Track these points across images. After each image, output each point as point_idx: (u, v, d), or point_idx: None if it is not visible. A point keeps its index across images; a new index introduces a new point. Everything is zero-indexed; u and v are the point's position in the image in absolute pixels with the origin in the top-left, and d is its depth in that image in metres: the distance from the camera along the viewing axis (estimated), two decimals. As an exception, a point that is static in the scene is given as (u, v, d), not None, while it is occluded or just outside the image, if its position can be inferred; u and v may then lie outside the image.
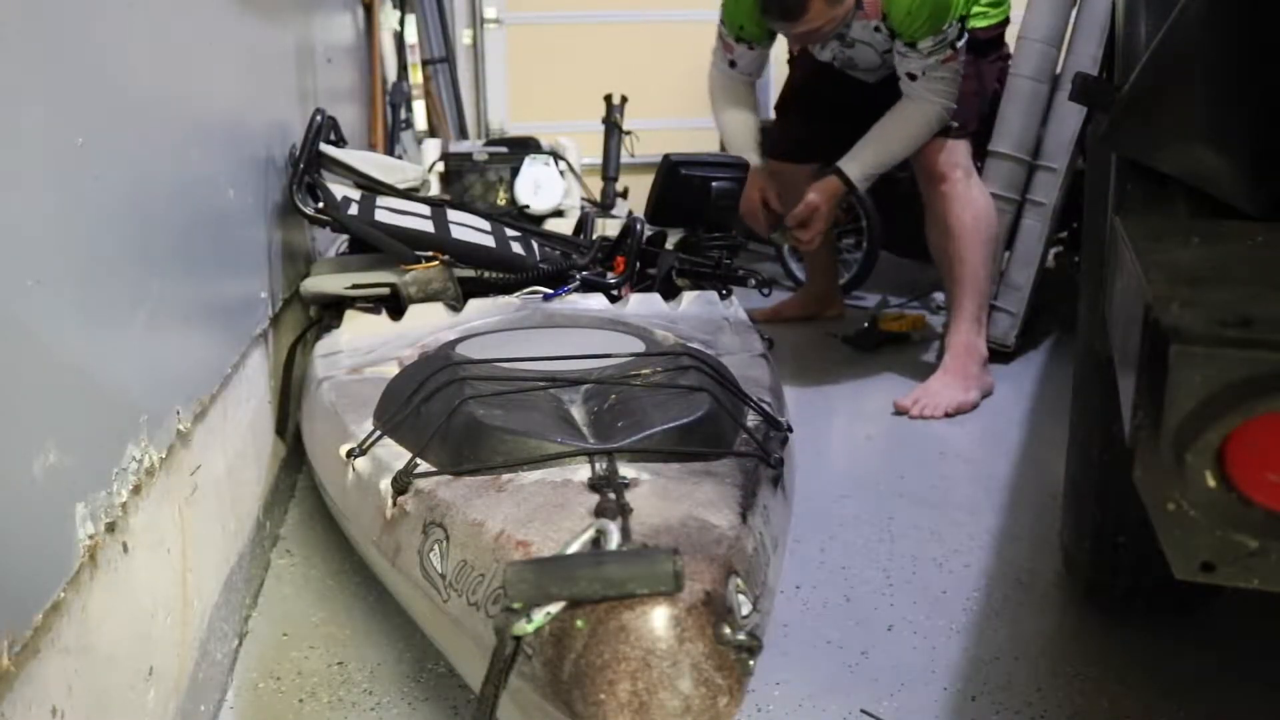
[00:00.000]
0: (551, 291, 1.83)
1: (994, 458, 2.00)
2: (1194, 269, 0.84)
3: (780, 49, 2.78)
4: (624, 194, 3.38)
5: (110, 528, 0.95)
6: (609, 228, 2.43)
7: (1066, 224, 3.04)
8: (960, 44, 2.35)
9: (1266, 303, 0.74)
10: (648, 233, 2.02)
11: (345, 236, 2.32)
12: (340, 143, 2.20)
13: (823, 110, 2.74)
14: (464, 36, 4.86)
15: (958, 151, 2.54)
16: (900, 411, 2.40)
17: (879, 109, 2.47)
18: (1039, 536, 1.77)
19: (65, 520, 0.87)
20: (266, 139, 1.83)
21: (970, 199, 2.55)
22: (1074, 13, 2.75)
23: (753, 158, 2.57)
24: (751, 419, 1.25)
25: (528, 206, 3.02)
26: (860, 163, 2.45)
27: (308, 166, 1.88)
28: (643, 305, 1.85)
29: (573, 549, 0.80)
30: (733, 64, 2.62)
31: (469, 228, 2.03)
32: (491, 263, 1.92)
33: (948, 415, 2.38)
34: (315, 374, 1.59)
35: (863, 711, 1.31)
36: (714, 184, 2.12)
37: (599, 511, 0.89)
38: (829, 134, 2.64)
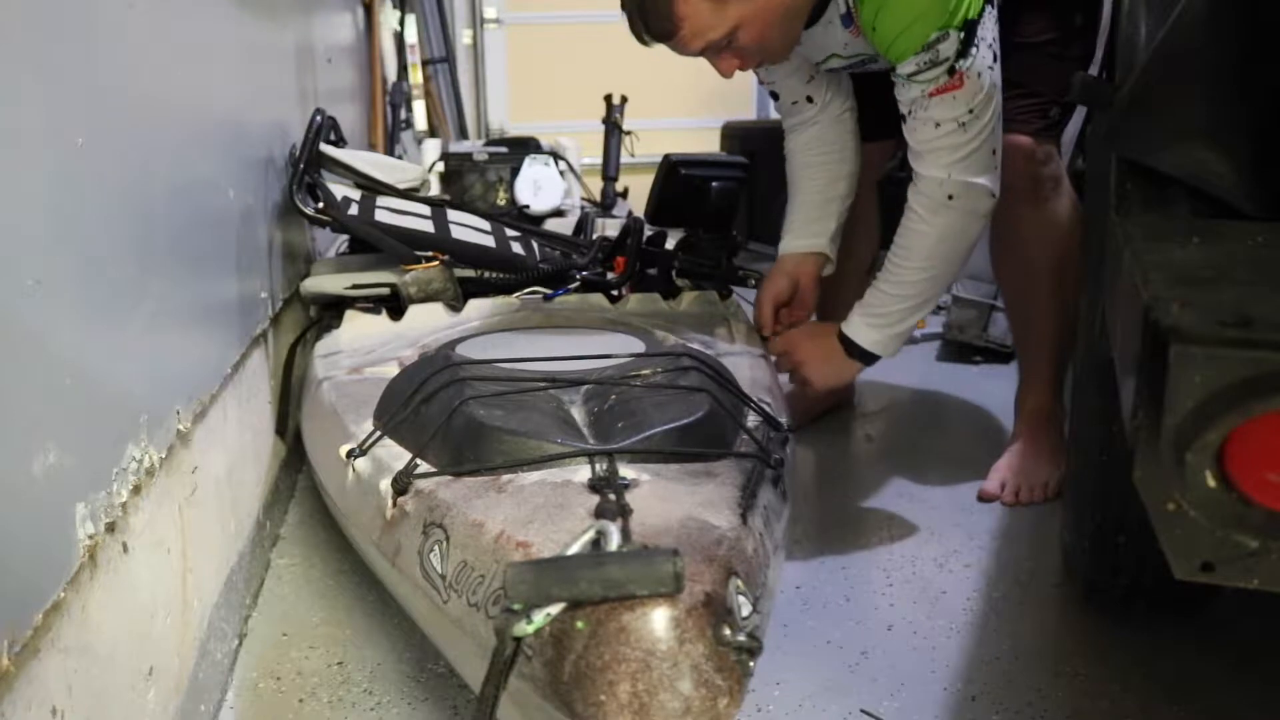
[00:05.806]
0: (551, 292, 1.84)
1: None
2: (1194, 269, 0.84)
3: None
4: (624, 194, 3.39)
5: (110, 528, 0.95)
6: (609, 228, 2.43)
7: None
8: (967, 64, 1.53)
9: (1266, 303, 0.74)
10: (648, 233, 2.03)
11: (345, 236, 2.32)
12: (340, 143, 2.21)
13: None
14: (464, 36, 4.88)
15: (1049, 157, 1.85)
16: (989, 499, 1.89)
17: None
18: (1039, 536, 1.77)
19: (65, 520, 0.87)
20: (266, 139, 1.83)
21: (1059, 223, 1.87)
22: (1074, 13, 2.75)
23: (800, 241, 1.88)
24: (751, 419, 1.25)
25: (528, 206, 3.02)
26: (868, 321, 1.72)
27: (308, 166, 1.88)
28: (643, 305, 1.85)
29: (573, 550, 0.80)
30: (775, 96, 1.91)
31: (469, 228, 2.03)
32: (491, 263, 1.93)
33: (1048, 499, 1.87)
34: (315, 374, 1.59)
35: (863, 711, 1.31)
36: (714, 184, 2.12)
37: (599, 512, 0.89)
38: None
